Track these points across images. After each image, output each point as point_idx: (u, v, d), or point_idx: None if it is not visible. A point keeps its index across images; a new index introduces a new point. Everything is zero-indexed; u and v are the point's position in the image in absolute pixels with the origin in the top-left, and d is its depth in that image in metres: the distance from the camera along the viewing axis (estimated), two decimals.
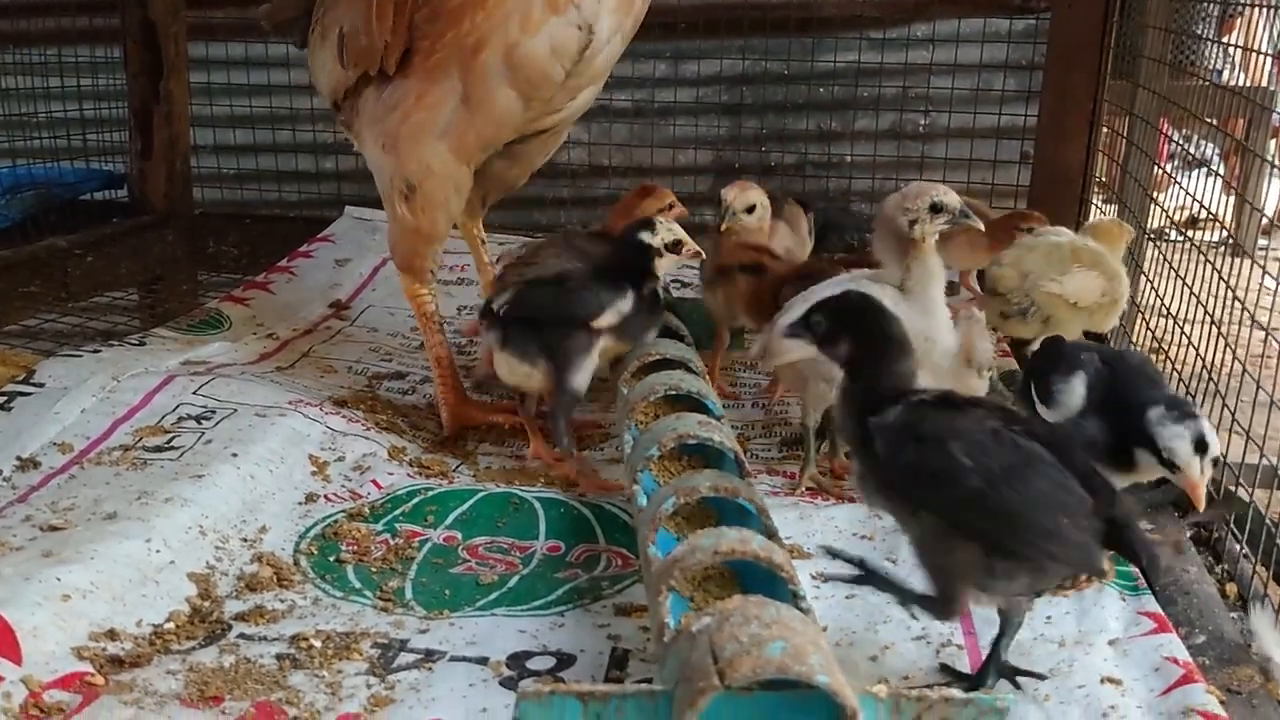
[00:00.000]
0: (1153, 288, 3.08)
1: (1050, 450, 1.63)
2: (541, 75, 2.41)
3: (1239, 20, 5.43)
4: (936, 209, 2.28)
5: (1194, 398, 2.51)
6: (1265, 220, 3.43)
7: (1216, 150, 4.37)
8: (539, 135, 2.74)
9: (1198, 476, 1.91)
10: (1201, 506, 1.94)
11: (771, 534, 1.84)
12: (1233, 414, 2.27)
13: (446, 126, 2.50)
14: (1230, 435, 2.28)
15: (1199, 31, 5.29)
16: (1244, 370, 2.31)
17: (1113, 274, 2.81)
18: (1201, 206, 2.84)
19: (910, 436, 1.67)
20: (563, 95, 2.53)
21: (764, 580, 1.71)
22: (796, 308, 2.16)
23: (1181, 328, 2.66)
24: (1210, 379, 2.45)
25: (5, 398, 2.59)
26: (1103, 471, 1.65)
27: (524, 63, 2.39)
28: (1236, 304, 2.44)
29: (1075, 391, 2.06)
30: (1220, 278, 2.50)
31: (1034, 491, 1.59)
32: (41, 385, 2.64)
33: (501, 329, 2.50)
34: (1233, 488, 2.27)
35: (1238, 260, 2.67)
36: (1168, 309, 2.83)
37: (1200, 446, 1.91)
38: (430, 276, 2.76)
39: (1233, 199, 3.55)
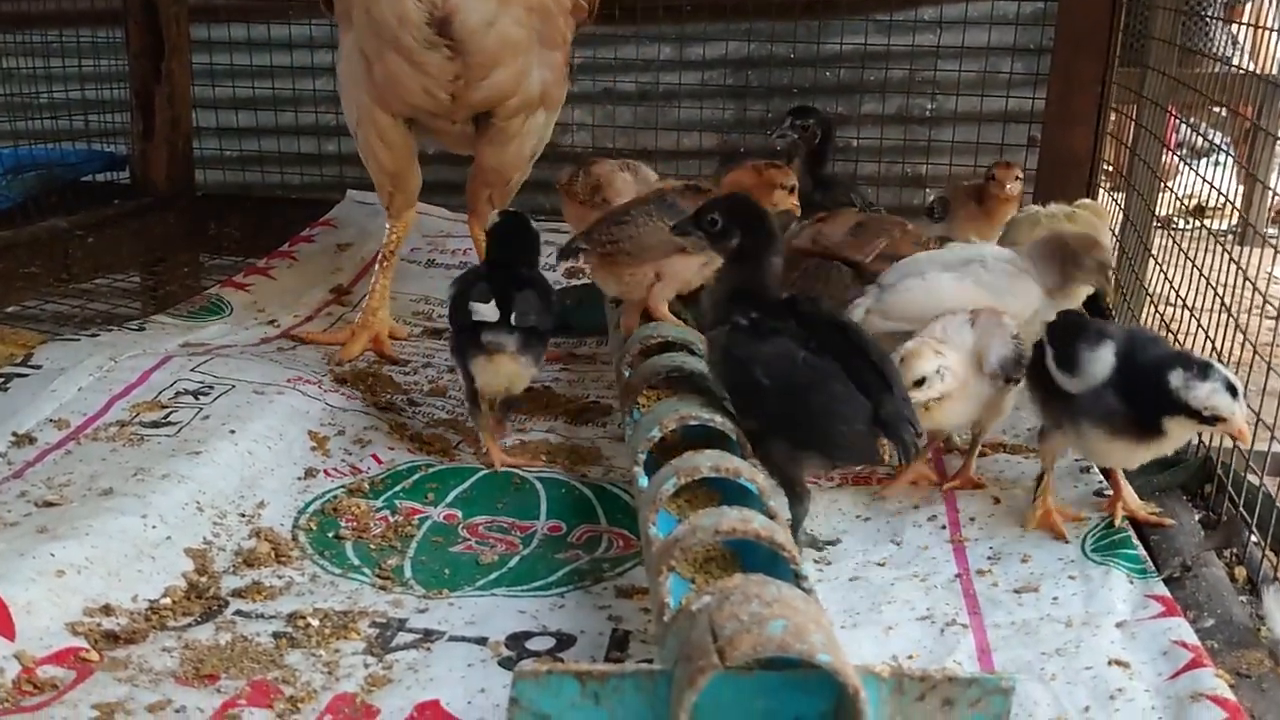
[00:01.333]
0: (1163, 273, 3.05)
1: (842, 362, 1.94)
2: (395, 39, 2.58)
3: (1248, 6, 5.38)
4: (1101, 266, 2.48)
5: None
6: (1274, 205, 3.41)
7: (1226, 139, 4.33)
8: (504, 116, 2.83)
9: (1243, 420, 1.94)
10: (1249, 444, 2.02)
11: (773, 514, 1.81)
12: (1244, 395, 2.23)
13: (361, 76, 2.74)
14: None
15: (1208, 15, 5.24)
16: (1254, 355, 2.28)
17: (1103, 234, 2.93)
18: (1215, 189, 2.80)
19: (728, 358, 2.02)
20: (474, 72, 2.64)
21: (766, 563, 1.69)
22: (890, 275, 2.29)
23: (1195, 315, 2.63)
24: (1223, 365, 2.41)
25: (3, 379, 2.58)
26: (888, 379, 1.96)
27: (380, 25, 2.59)
28: (1244, 291, 2.41)
29: (1104, 360, 2.04)
30: (1234, 263, 2.47)
31: (817, 405, 1.93)
32: (39, 367, 2.64)
33: (522, 335, 2.38)
34: (1242, 473, 2.25)
35: (1243, 249, 2.65)
36: (1180, 296, 2.80)
37: (1233, 391, 1.93)
38: (397, 215, 3.07)
39: (1241, 188, 3.52)
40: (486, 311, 2.35)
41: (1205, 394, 1.92)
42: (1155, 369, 1.97)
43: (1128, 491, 2.18)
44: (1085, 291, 2.56)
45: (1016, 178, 3.33)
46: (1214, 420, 1.94)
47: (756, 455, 2.02)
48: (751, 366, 1.97)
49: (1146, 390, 1.98)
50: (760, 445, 2.01)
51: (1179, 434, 2.03)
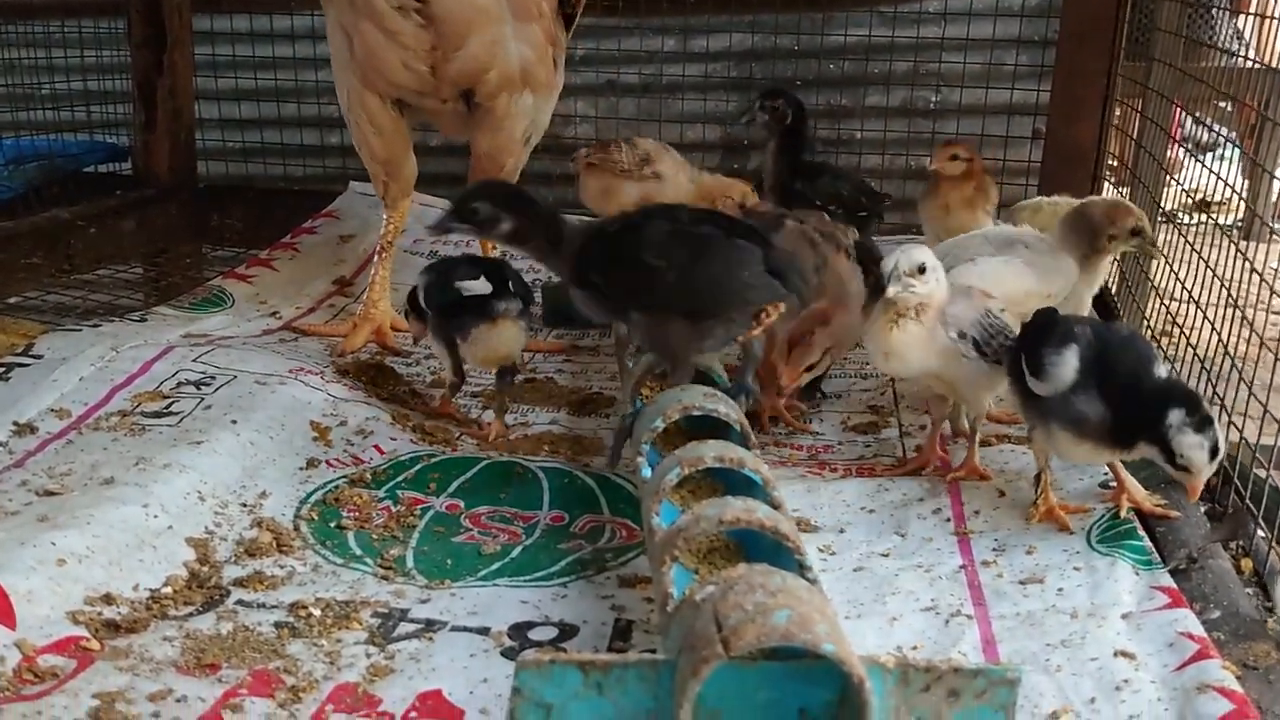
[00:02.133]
0: (1170, 267, 3.03)
1: (719, 226, 2.12)
2: (368, 5, 2.60)
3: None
4: (1136, 233, 2.61)
5: (1211, 379, 2.46)
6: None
7: (1232, 134, 4.31)
8: (486, 95, 2.82)
9: (1203, 482, 1.97)
10: (1195, 499, 2.05)
11: (777, 505, 1.80)
12: (1250, 392, 2.22)
13: (348, 58, 2.76)
14: (1245, 417, 2.24)
15: (1213, 4, 5.21)
16: (1262, 347, 2.27)
17: None
18: (1224, 183, 2.79)
19: (613, 260, 2.12)
20: (447, 41, 2.65)
21: (770, 554, 1.68)
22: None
23: (1203, 310, 2.62)
24: (1230, 359, 2.40)
25: (4, 369, 2.58)
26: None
27: None
28: (1250, 286, 2.40)
29: (1068, 364, 2.03)
30: (1244, 258, 2.45)
31: (717, 265, 2.08)
32: (40, 357, 2.63)
33: (523, 302, 2.50)
34: (1250, 463, 2.24)
35: (1248, 244, 2.64)
36: (1187, 289, 2.78)
37: (1214, 454, 1.94)
38: (393, 205, 3.07)
39: (1246, 185, 3.50)
40: (478, 286, 2.45)
41: (1189, 445, 1.93)
42: (1158, 396, 1.97)
43: (1131, 483, 2.17)
44: (1108, 264, 2.69)
45: (953, 157, 3.29)
46: (1183, 469, 1.95)
47: (652, 347, 2.18)
48: (642, 254, 2.07)
49: (1137, 411, 1.98)
50: (655, 337, 2.14)
51: (1144, 454, 2.03)
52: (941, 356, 2.24)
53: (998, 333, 2.24)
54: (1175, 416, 1.93)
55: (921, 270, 2.16)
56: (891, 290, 2.15)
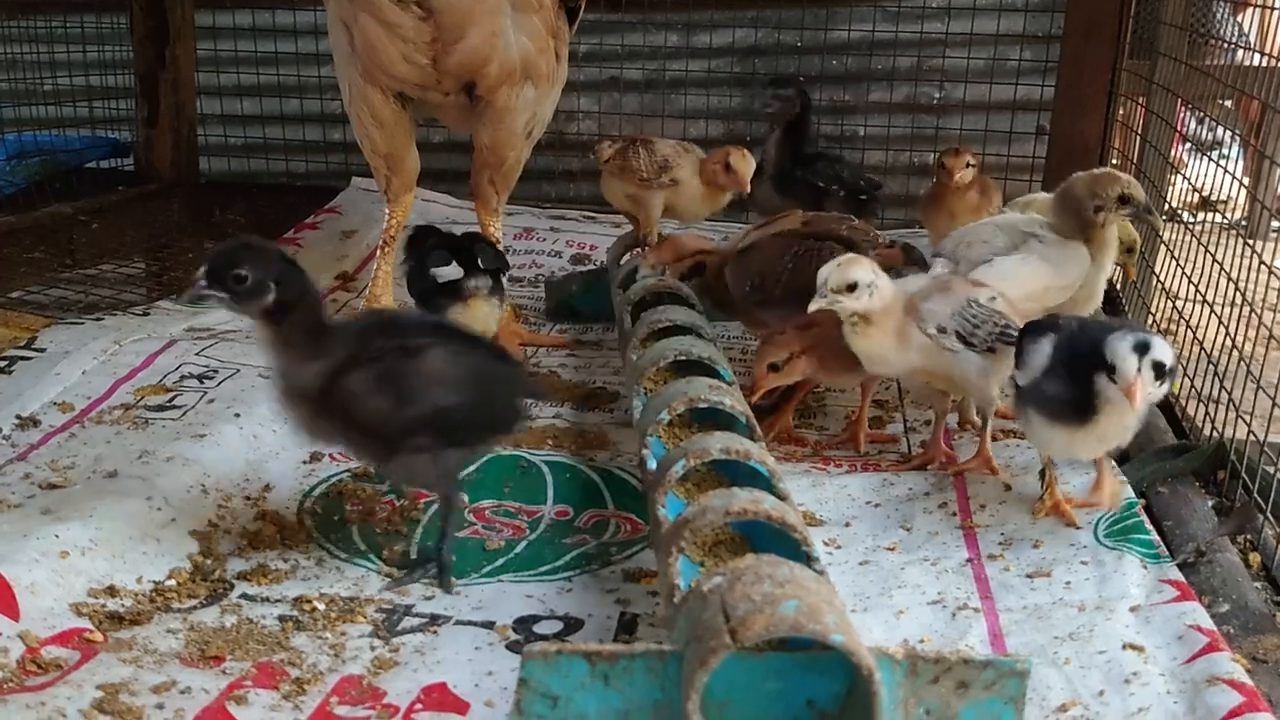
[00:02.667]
0: (1176, 262, 3.02)
1: (485, 351, 2.01)
2: None
3: None
4: (1124, 200, 2.47)
5: (1218, 374, 2.46)
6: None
7: (1236, 133, 4.30)
8: (488, 88, 2.80)
9: (1133, 374, 1.85)
10: (1135, 406, 1.88)
11: (784, 497, 1.80)
12: (1258, 387, 2.22)
13: (349, 52, 2.76)
14: (1253, 415, 2.24)
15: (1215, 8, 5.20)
16: (1270, 343, 2.26)
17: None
18: (1233, 177, 2.78)
19: (388, 387, 1.84)
20: (446, 33, 2.62)
21: (776, 547, 1.66)
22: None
23: (1210, 305, 2.61)
24: (1239, 354, 2.39)
25: (6, 361, 2.58)
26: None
27: None
28: (1258, 283, 2.40)
29: (1042, 350, 2.02)
30: (1256, 255, 2.44)
31: (497, 394, 1.99)
32: (43, 350, 2.63)
33: (494, 277, 2.62)
34: (1257, 458, 2.23)
35: (1250, 242, 2.63)
36: (1195, 286, 2.77)
37: (1141, 349, 1.85)
38: (395, 199, 3.01)
39: (1250, 183, 3.49)
40: (450, 272, 2.55)
41: (1112, 342, 1.87)
42: (1103, 336, 1.93)
43: (1108, 479, 2.13)
44: (1113, 243, 2.58)
45: (968, 165, 3.21)
46: (1111, 370, 1.87)
47: (420, 481, 2.00)
48: (431, 385, 1.86)
49: (1088, 359, 1.93)
50: (426, 469, 1.91)
51: (1110, 396, 1.91)
52: (922, 353, 2.23)
53: (984, 321, 2.21)
54: (1112, 337, 1.90)
55: (852, 288, 2.15)
56: (814, 304, 2.16)
